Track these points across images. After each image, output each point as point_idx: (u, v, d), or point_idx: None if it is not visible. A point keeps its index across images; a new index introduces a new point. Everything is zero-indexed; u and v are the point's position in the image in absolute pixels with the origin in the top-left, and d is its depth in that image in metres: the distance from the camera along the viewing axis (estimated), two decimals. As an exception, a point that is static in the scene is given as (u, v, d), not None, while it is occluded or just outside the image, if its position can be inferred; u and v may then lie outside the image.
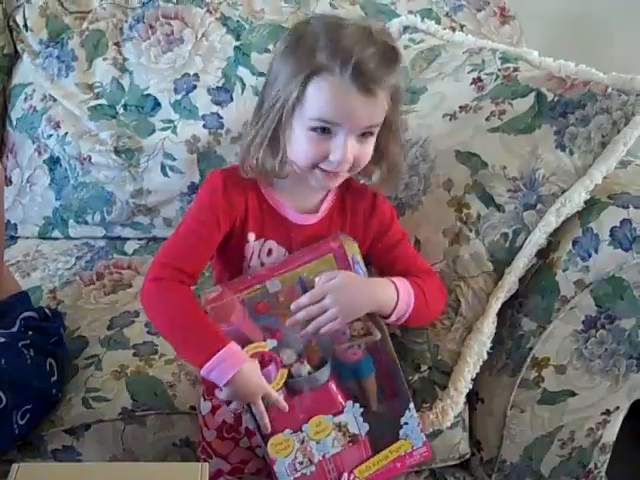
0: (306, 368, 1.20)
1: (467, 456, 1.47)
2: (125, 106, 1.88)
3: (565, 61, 1.39)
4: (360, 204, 1.27)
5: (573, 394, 1.37)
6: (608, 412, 1.41)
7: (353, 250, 1.21)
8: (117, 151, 1.84)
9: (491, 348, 1.33)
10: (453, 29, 1.80)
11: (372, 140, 1.18)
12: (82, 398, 1.37)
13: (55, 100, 1.90)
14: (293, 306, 1.17)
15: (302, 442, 1.21)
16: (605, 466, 1.50)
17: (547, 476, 1.47)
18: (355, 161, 1.16)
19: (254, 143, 1.19)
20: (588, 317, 1.31)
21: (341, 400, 1.22)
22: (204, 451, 1.28)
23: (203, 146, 1.85)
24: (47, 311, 1.47)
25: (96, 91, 1.90)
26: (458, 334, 1.34)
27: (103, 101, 1.89)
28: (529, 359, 1.35)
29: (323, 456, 1.22)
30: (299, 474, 1.21)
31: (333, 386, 1.21)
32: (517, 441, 1.43)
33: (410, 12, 1.89)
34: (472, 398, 1.44)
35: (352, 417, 1.22)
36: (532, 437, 1.43)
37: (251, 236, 1.23)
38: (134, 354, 1.46)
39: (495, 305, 1.32)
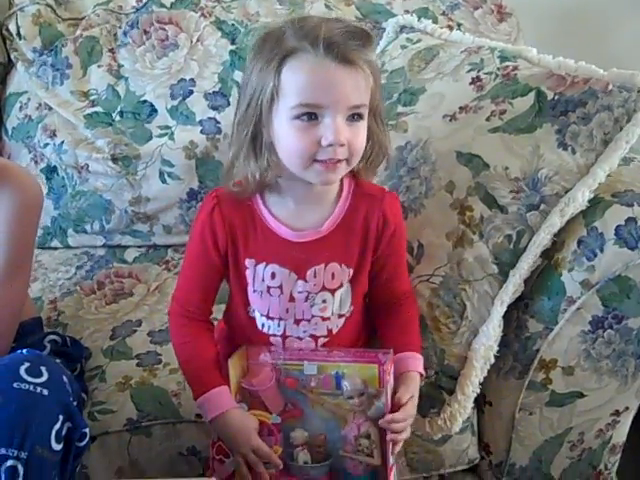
0: (305, 456, 1.20)
1: (476, 461, 1.47)
2: (121, 113, 1.88)
3: (564, 58, 1.38)
4: (374, 215, 1.21)
5: (582, 395, 1.36)
6: (617, 413, 1.40)
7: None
8: (114, 159, 1.84)
9: (498, 351, 1.32)
10: (450, 28, 1.78)
11: (364, 125, 1.13)
12: (87, 412, 1.36)
13: (50, 108, 1.90)
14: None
15: None
16: (615, 467, 1.50)
17: (557, 478, 1.46)
18: (350, 147, 1.10)
19: (235, 153, 1.16)
20: (595, 317, 1.30)
21: None
22: (220, 451, 1.26)
23: (201, 152, 1.85)
24: (67, 338, 1.46)
25: (91, 98, 1.90)
26: (464, 338, 1.32)
27: (99, 109, 1.89)
28: (536, 361, 1.35)
29: None
30: None
31: None
32: (526, 444, 1.43)
33: (406, 12, 1.88)
34: (480, 401, 1.43)
35: None
36: (541, 439, 1.42)
37: (250, 262, 1.21)
38: (138, 364, 1.46)
39: (501, 308, 1.30)
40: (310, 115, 1.08)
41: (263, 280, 1.20)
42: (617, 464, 1.50)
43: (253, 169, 1.14)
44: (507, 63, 1.44)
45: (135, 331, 1.55)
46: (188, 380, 1.26)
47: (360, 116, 1.11)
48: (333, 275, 1.20)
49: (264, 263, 1.20)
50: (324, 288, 1.21)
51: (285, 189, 1.19)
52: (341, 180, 1.20)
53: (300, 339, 1.23)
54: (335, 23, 1.10)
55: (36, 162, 1.89)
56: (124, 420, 1.37)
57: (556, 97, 1.31)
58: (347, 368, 1.16)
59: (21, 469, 1.06)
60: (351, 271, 1.22)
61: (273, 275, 1.20)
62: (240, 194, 1.18)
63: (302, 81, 1.07)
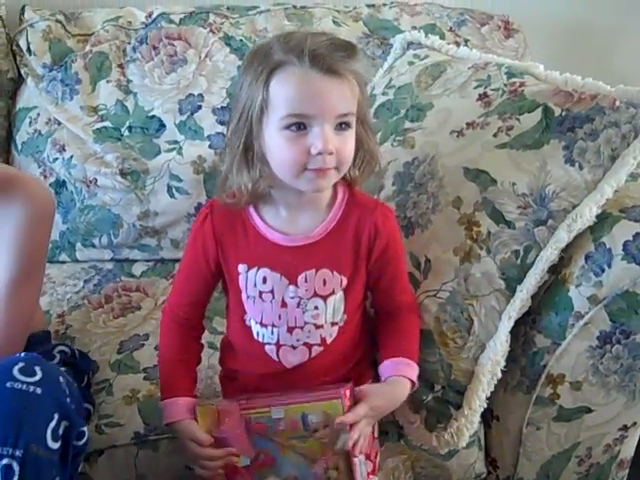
0: None
1: (483, 475, 1.46)
2: (130, 128, 1.88)
3: (571, 74, 1.38)
4: (365, 225, 1.23)
5: (589, 410, 1.36)
6: (625, 428, 1.40)
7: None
8: (123, 173, 1.84)
9: (505, 366, 1.32)
10: (457, 44, 1.79)
11: (352, 134, 1.15)
12: (95, 425, 1.36)
13: (60, 123, 1.90)
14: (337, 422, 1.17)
15: None
16: (624, 482, 1.49)
17: (565, 494, 1.46)
18: (339, 155, 1.12)
19: (229, 165, 1.19)
20: (603, 332, 1.30)
21: None
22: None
23: (209, 166, 1.85)
24: (76, 351, 1.46)
25: (100, 113, 1.90)
26: (471, 353, 1.32)
27: (108, 123, 1.89)
28: (544, 376, 1.34)
29: None
30: None
31: None
32: (533, 459, 1.42)
33: (414, 28, 1.90)
34: (487, 416, 1.43)
35: None
36: (549, 454, 1.42)
37: (242, 267, 1.23)
38: (145, 378, 1.45)
39: (508, 323, 1.30)
40: (299, 125, 1.11)
41: (255, 285, 1.22)
42: (625, 479, 1.49)
43: (246, 180, 1.17)
44: (514, 79, 1.44)
45: (142, 345, 1.55)
46: (160, 380, 1.31)
47: (348, 125, 1.14)
48: (324, 281, 1.22)
49: (256, 268, 1.22)
50: (316, 294, 1.22)
51: (277, 199, 1.21)
52: (335, 188, 1.23)
53: (294, 348, 1.24)
54: (320, 36, 1.13)
55: (45, 176, 1.89)
56: (131, 434, 1.36)
57: (563, 113, 1.32)
58: (312, 407, 1.18)
59: (16, 467, 1.06)
60: (344, 279, 1.23)
61: (264, 280, 1.22)
62: (234, 206, 1.21)
63: (290, 93, 1.10)
